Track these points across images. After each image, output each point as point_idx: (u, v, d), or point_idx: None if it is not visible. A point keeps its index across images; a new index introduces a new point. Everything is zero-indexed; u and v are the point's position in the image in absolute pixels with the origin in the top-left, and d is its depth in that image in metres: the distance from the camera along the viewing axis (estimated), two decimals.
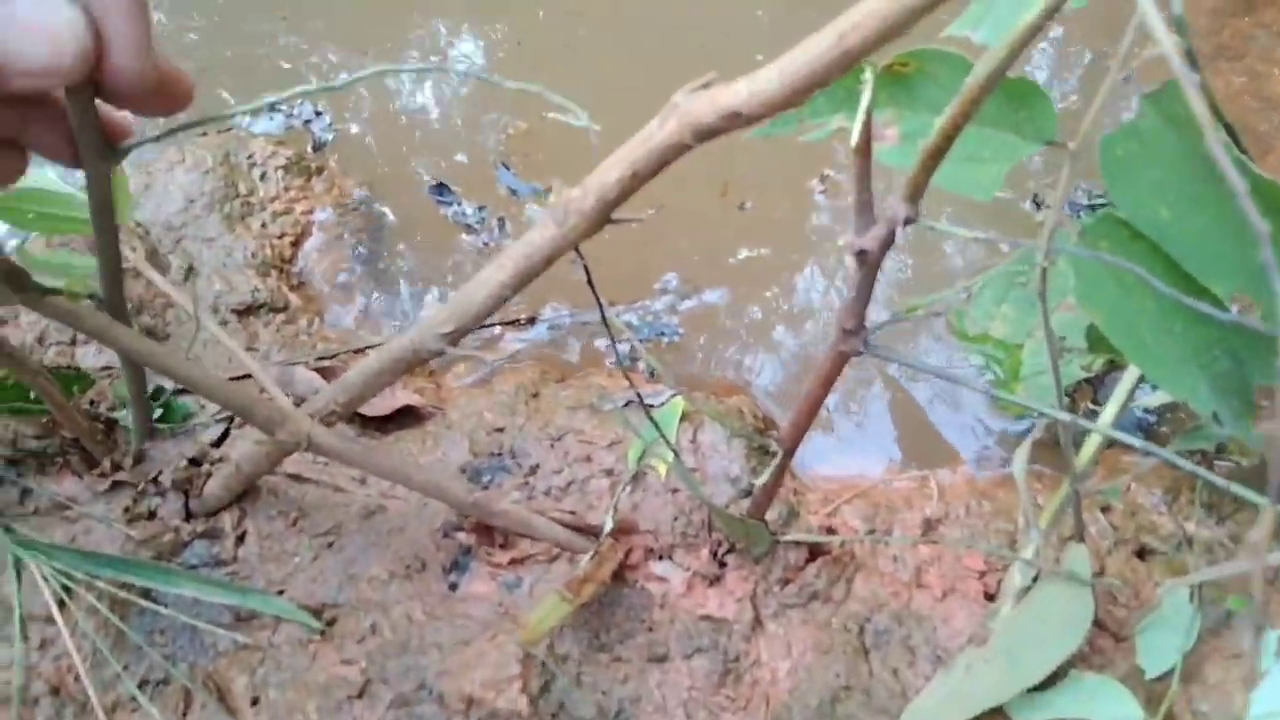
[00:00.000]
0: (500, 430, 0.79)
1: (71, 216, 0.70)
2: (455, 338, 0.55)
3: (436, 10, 1.23)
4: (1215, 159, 0.25)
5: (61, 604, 0.75)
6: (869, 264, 0.47)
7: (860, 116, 0.40)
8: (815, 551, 0.75)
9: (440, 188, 1.02)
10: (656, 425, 0.64)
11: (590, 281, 0.54)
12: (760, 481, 0.65)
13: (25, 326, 0.89)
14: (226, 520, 0.78)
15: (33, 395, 0.78)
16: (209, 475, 0.79)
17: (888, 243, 0.45)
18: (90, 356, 0.86)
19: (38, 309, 0.55)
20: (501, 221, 1.00)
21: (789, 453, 0.65)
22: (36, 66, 0.29)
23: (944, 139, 0.38)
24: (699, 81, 0.42)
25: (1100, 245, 0.52)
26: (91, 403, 0.82)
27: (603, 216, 0.48)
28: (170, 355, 0.59)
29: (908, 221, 0.42)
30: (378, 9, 1.22)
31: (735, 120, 0.40)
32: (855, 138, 0.41)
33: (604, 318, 0.58)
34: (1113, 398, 0.76)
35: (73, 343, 0.87)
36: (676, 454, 0.68)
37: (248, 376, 0.85)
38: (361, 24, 1.20)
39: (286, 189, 1.01)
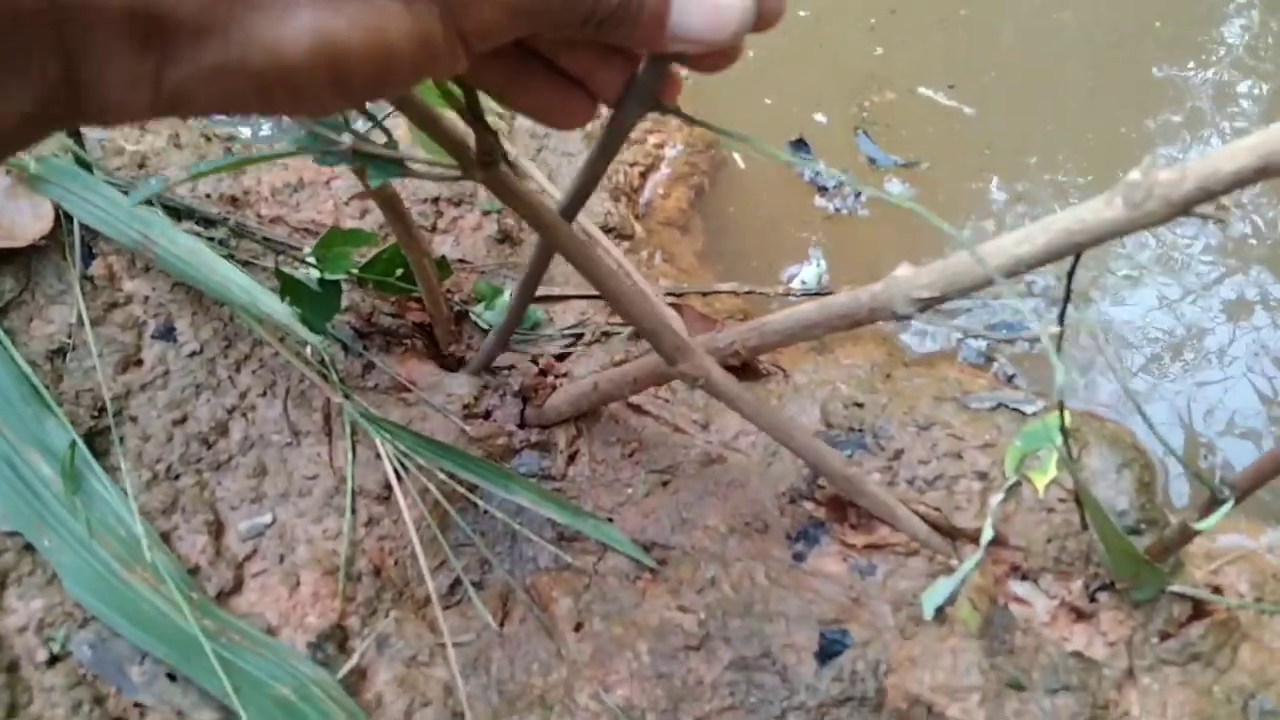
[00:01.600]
0: (859, 405, 0.74)
1: None
2: (930, 305, 0.51)
3: None
4: None
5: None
6: None
7: None
8: (1199, 610, 0.67)
9: (800, 144, 0.97)
10: (1065, 436, 0.58)
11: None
12: (1201, 525, 0.58)
13: None
14: (561, 436, 0.76)
15: (398, 274, 0.78)
16: (553, 388, 0.77)
17: None
18: (447, 246, 0.86)
19: (494, 188, 0.53)
20: (858, 192, 0.95)
21: (1239, 501, 0.57)
22: (695, 38, 0.30)
23: None
24: None
25: None
26: (448, 292, 0.81)
27: (1186, 209, 0.42)
28: (600, 263, 0.56)
29: None
30: None
31: None
32: None
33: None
34: None
35: (433, 229, 0.87)
36: (1077, 471, 0.61)
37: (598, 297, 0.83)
38: None
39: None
